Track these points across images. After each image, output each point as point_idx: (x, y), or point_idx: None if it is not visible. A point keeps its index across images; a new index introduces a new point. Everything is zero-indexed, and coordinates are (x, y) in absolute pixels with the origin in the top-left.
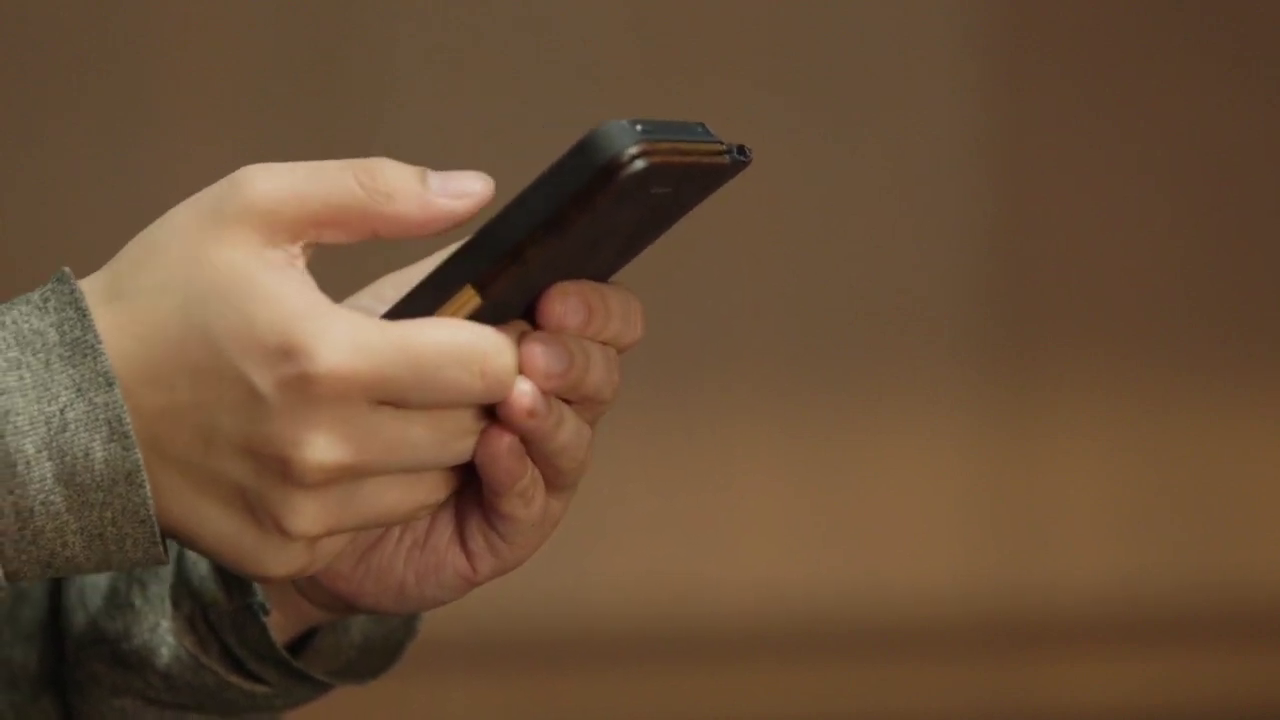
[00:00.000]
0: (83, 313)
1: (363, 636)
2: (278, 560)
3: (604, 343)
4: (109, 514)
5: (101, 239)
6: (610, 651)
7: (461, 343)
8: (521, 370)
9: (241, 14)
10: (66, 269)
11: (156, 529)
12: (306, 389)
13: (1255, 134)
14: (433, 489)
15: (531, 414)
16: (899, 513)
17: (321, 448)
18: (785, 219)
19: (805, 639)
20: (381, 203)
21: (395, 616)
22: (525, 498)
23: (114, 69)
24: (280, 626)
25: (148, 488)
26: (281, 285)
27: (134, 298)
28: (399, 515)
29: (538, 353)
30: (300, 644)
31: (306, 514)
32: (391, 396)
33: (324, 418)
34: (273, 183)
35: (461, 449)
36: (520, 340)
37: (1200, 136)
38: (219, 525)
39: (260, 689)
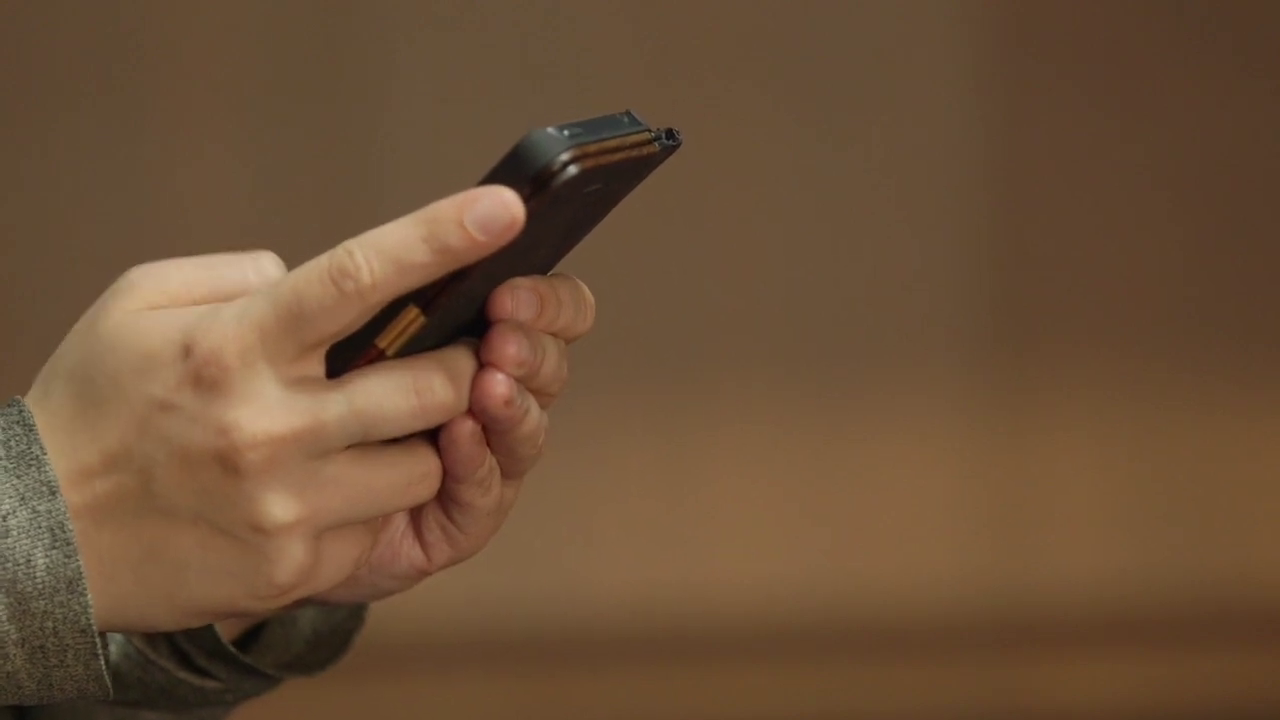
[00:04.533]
0: (29, 429)
1: (311, 629)
2: (278, 564)
3: (555, 334)
4: (50, 624)
5: (101, 239)
6: (603, 653)
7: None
8: (492, 358)
9: (241, 14)
10: (18, 396)
11: (97, 641)
12: (205, 376)
13: (1255, 134)
14: (419, 459)
15: (509, 403)
16: (895, 512)
17: (247, 419)
18: (781, 218)
19: (799, 639)
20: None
21: (344, 607)
22: (484, 486)
23: (114, 69)
24: (228, 622)
25: (89, 596)
26: (168, 312)
27: (52, 393)
28: (389, 490)
29: (510, 340)
30: (249, 638)
31: (271, 500)
32: (278, 354)
33: (235, 395)
34: (154, 268)
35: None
36: (491, 331)
37: (1200, 136)
38: (200, 564)
39: (210, 684)
